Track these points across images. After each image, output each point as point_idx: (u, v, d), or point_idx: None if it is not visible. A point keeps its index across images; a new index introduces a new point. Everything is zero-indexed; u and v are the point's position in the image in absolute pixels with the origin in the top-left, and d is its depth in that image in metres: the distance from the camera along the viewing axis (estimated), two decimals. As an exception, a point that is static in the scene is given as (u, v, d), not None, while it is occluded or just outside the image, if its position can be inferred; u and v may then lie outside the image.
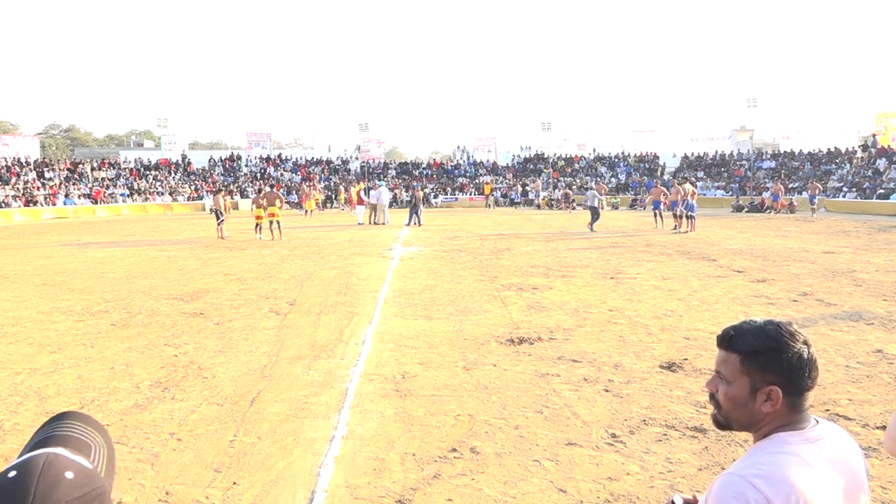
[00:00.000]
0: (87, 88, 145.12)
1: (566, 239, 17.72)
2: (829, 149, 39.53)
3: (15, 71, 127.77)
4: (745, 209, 30.27)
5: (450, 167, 47.11)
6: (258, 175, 43.50)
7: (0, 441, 4.21)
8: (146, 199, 37.69)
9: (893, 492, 3.36)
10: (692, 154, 44.00)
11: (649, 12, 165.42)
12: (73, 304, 8.78)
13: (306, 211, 29.35)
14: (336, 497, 3.42)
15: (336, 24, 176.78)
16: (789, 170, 38.73)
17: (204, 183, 41.22)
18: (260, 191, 20.41)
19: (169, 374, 5.57)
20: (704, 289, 9.31)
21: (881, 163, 33.27)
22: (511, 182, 42.55)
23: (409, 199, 25.95)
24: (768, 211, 29.33)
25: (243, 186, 40.86)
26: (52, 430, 0.91)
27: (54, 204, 33.47)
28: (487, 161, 46.69)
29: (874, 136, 37.26)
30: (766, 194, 31.85)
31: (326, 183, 41.31)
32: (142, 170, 41.52)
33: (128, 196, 37.44)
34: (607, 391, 4.97)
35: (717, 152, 43.22)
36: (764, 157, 41.90)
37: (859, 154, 37.11)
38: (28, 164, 37.39)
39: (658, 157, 44.14)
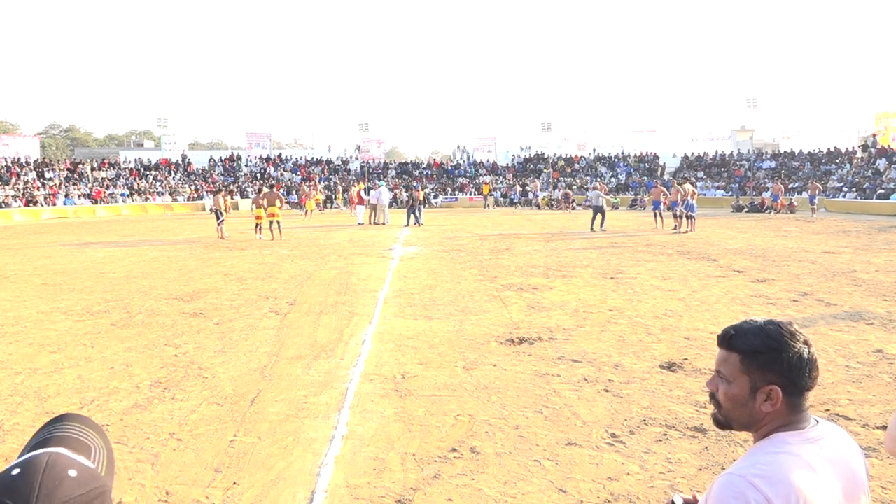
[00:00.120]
0: (87, 88, 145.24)
1: (566, 239, 17.72)
2: (829, 149, 39.53)
3: (15, 71, 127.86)
4: (745, 209, 30.27)
5: (450, 167, 47.12)
6: (258, 175, 43.51)
7: (0, 441, 4.21)
8: (146, 199, 37.70)
9: (893, 492, 3.36)
10: (692, 154, 44.01)
11: (649, 12, 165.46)
12: (73, 304, 8.78)
13: (306, 211, 29.36)
14: (336, 497, 3.42)
15: (336, 24, 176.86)
16: (789, 170, 38.74)
17: (204, 183, 41.22)
18: (260, 191, 20.41)
19: (169, 374, 5.57)
20: (704, 289, 9.31)
21: (881, 163, 33.27)
22: (511, 182, 42.55)
23: (406, 199, 25.93)
24: (768, 211, 29.33)
25: (243, 186, 40.86)
26: (51, 432, 0.91)
27: (54, 204, 33.47)
28: (487, 161, 46.70)
29: (874, 136, 37.26)
30: (766, 194, 31.86)
31: (326, 183, 41.30)
32: (142, 170, 41.53)
33: (128, 196, 37.44)
34: (607, 391, 4.97)
35: (717, 152, 43.23)
36: (764, 157, 41.91)
37: (859, 154, 37.12)
38: (28, 164, 37.39)
39: (658, 157, 44.14)
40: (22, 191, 33.58)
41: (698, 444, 3.99)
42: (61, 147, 72.44)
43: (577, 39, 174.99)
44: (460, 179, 44.12)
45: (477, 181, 42.92)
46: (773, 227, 20.52)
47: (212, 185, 39.50)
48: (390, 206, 27.57)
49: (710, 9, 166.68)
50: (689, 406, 4.63)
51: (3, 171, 35.31)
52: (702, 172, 40.64)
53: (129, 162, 42.55)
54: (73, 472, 0.82)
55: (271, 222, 18.45)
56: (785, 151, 41.83)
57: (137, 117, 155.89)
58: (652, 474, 3.61)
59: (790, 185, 34.85)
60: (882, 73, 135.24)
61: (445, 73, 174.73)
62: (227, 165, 45.17)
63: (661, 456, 3.83)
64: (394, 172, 45.36)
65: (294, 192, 38.80)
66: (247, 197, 36.37)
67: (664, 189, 22.69)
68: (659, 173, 41.57)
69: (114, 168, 40.65)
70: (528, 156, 47.15)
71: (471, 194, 40.85)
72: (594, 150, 46.65)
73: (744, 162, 41.32)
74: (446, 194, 41.33)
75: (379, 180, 36.44)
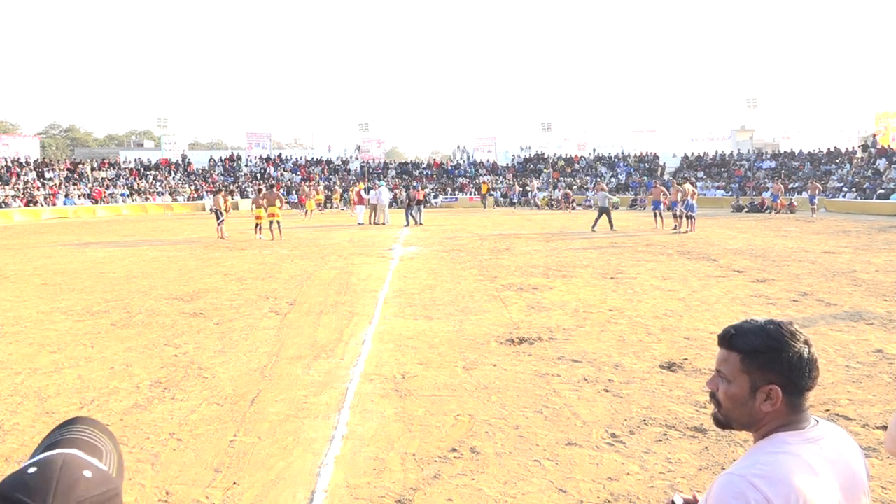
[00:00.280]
0: (87, 88, 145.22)
1: (566, 239, 17.72)
2: (829, 149, 39.53)
3: (15, 71, 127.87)
4: (745, 209, 30.27)
5: (450, 167, 47.12)
6: (258, 175, 43.51)
7: (0, 441, 4.20)
8: (146, 199, 37.70)
9: (893, 492, 3.36)
10: (692, 154, 44.01)
11: (649, 12, 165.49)
12: (73, 304, 8.78)
13: (306, 211, 29.38)
14: (336, 497, 3.42)
15: (336, 25, 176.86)
16: (789, 170, 38.74)
17: (204, 183, 41.23)
18: (260, 191, 20.41)
19: (169, 374, 5.57)
20: (704, 289, 9.31)
21: (881, 163, 33.28)
22: (510, 182, 42.55)
23: (404, 198, 25.94)
24: (768, 211, 29.33)
25: (243, 186, 40.86)
26: (63, 434, 0.91)
27: (54, 204, 33.47)
28: (487, 161, 46.71)
29: (874, 136, 37.26)
30: (766, 194, 31.87)
31: (326, 183, 41.30)
32: (142, 170, 41.53)
33: (128, 196, 37.44)
34: (607, 391, 4.97)
35: (717, 152, 43.22)
36: (764, 157, 41.92)
37: (859, 154, 37.12)
38: (28, 164, 37.39)
39: (658, 157, 44.14)
40: (22, 191, 33.59)
41: (698, 444, 3.99)
42: (61, 147, 72.45)
43: (577, 40, 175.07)
44: (460, 179, 44.12)
45: (477, 181, 42.93)
46: (773, 227, 20.52)
47: (212, 185, 39.51)
48: (390, 206, 27.58)
49: (710, 9, 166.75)
50: (689, 406, 4.63)
51: (3, 171, 35.31)
52: (702, 172, 40.64)
53: (129, 162, 42.55)
54: (87, 473, 0.82)
55: (271, 222, 18.45)
56: (785, 151, 41.83)
57: (137, 117, 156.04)
58: (652, 474, 3.61)
59: (790, 185, 34.86)
60: (882, 73, 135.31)
61: (445, 73, 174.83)
62: (227, 165, 45.18)
63: (661, 456, 3.83)
64: (394, 172, 45.36)
65: (294, 192, 38.80)
66: (247, 197, 36.37)
67: (664, 189, 22.69)
68: (659, 173, 41.57)
69: (114, 168, 40.66)
70: (528, 156, 47.15)
71: (471, 194, 40.84)
72: (594, 150, 46.65)
73: (744, 162, 41.32)
74: (446, 194, 41.33)
75: (379, 180, 36.44)
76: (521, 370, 5.54)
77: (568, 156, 46.08)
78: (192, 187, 40.35)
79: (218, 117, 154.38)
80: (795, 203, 29.77)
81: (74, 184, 36.70)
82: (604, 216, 20.52)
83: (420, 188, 28.27)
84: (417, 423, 4.39)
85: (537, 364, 5.69)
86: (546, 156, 46.51)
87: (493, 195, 39.75)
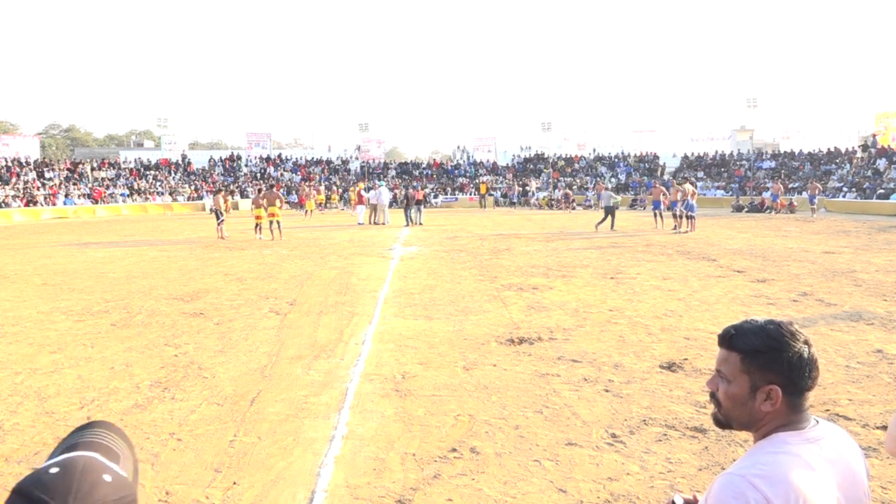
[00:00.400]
0: (87, 88, 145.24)
1: (566, 239, 17.72)
2: (829, 149, 39.54)
3: (15, 71, 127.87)
4: (745, 209, 30.27)
5: (450, 167, 47.13)
6: (258, 175, 43.51)
7: (0, 441, 4.20)
8: (146, 199, 37.70)
9: (893, 492, 3.36)
10: (692, 154, 44.01)
11: (649, 12, 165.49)
12: (73, 304, 8.78)
13: (306, 211, 29.38)
14: (336, 497, 3.42)
15: (336, 25, 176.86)
16: (789, 170, 38.74)
17: (204, 183, 41.23)
18: (260, 191, 20.40)
19: (169, 374, 5.57)
20: (704, 289, 9.31)
21: (881, 163, 33.27)
22: (510, 182, 42.54)
23: (402, 198, 25.96)
24: (768, 211, 29.33)
25: (243, 186, 40.85)
26: (82, 436, 0.92)
27: (54, 204, 33.47)
28: (487, 161, 46.71)
29: (874, 136, 37.26)
30: (766, 194, 31.87)
31: (326, 183, 41.31)
32: (142, 170, 41.53)
33: (128, 196, 37.44)
34: (607, 391, 4.97)
35: (717, 152, 43.23)
36: (764, 157, 41.91)
37: (859, 154, 37.12)
38: (28, 164, 37.40)
39: (658, 157, 44.15)
40: (22, 191, 33.59)
41: (698, 444, 3.99)
42: (61, 147, 72.45)
43: (577, 40, 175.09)
44: (460, 179, 44.12)
45: (477, 181, 42.93)
46: (773, 227, 20.52)
47: (212, 185, 39.51)
48: (390, 205, 27.58)
49: (710, 9, 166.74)
50: (689, 406, 4.63)
51: (3, 171, 35.31)
52: (702, 172, 40.64)
53: (129, 162, 42.55)
54: (107, 477, 0.83)
55: (271, 222, 18.45)
56: (785, 151, 41.83)
57: (137, 117, 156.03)
58: (652, 474, 3.61)
59: (790, 185, 34.86)
60: (882, 73, 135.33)
61: (445, 73, 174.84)
62: (227, 165, 45.18)
63: (661, 456, 3.83)
64: (394, 172, 45.36)
65: (294, 192, 38.79)
66: (247, 197, 36.36)
67: (664, 189, 22.69)
68: (659, 173, 41.57)
69: (114, 168, 40.66)
70: (528, 156, 47.15)
71: (471, 194, 40.84)
72: (594, 150, 46.65)
73: (744, 162, 41.32)
74: (446, 194, 41.33)
75: (379, 180, 36.43)
76: (521, 370, 5.54)
77: (568, 156, 46.08)
78: (192, 187, 40.35)
79: (218, 117, 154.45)
80: (795, 203, 29.77)
81: (74, 184, 36.70)
82: (608, 216, 20.53)
83: (420, 188, 28.26)
84: (417, 423, 4.39)
85: (537, 364, 5.69)
86: (546, 156, 46.51)
87: (493, 195, 39.72)
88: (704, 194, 35.19)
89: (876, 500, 3.25)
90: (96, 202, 35.34)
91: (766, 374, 1.28)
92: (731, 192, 36.68)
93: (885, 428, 4.09)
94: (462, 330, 7.00)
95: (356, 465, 3.79)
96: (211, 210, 23.38)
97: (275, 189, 21.48)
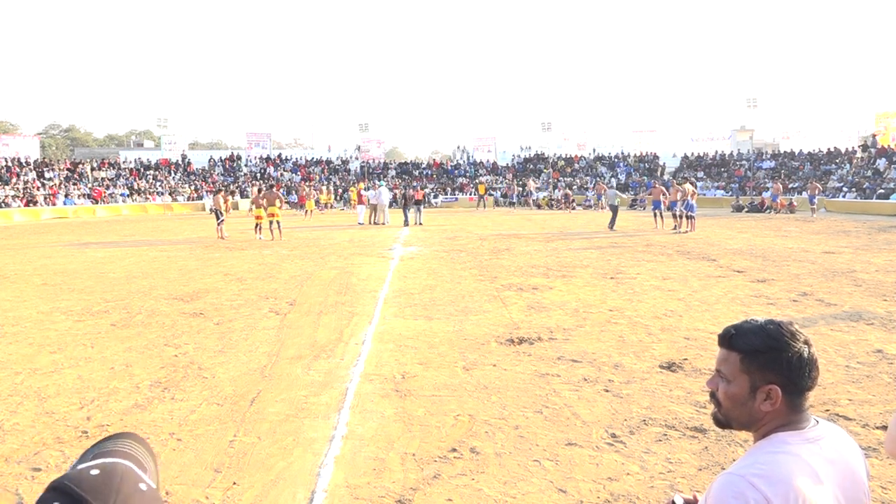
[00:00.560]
0: (87, 88, 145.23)
1: (566, 239, 17.72)
2: (829, 149, 39.52)
3: (15, 71, 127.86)
4: (745, 209, 30.27)
5: (450, 167, 47.12)
6: (258, 175, 43.50)
7: (0, 441, 4.20)
8: (146, 199, 37.68)
9: (893, 492, 3.36)
10: (692, 154, 44.00)
11: (649, 12, 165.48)
12: (73, 304, 8.77)
13: (306, 211, 29.39)
14: (336, 497, 3.42)
15: (336, 25, 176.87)
16: (789, 170, 38.73)
17: (204, 183, 41.22)
18: (260, 191, 20.39)
19: (169, 374, 5.57)
20: (704, 289, 9.31)
21: (881, 163, 33.27)
22: (510, 182, 42.53)
23: (401, 197, 25.97)
24: (768, 211, 29.33)
25: (243, 186, 40.84)
26: (115, 445, 0.92)
27: (54, 204, 33.46)
28: (487, 161, 46.70)
29: (874, 136, 37.25)
30: (765, 194, 31.86)
31: (326, 183, 41.29)
32: (142, 170, 41.52)
33: (128, 196, 37.43)
34: (607, 391, 4.97)
35: (717, 152, 43.22)
36: (764, 157, 41.91)
37: (859, 154, 37.11)
38: (28, 164, 37.38)
39: (658, 157, 44.14)
40: (22, 191, 33.58)
41: (698, 444, 3.99)
42: (61, 147, 72.45)
43: (577, 40, 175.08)
44: (460, 179, 44.11)
45: (477, 181, 42.91)
46: (773, 227, 20.52)
47: (212, 185, 39.51)
48: (390, 205, 27.59)
49: (710, 9, 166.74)
50: (689, 406, 4.63)
51: (3, 171, 35.30)
52: (702, 172, 40.63)
53: (129, 162, 42.53)
54: (143, 487, 0.84)
55: (271, 222, 18.45)
56: (785, 151, 41.82)
57: (137, 117, 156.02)
58: (652, 474, 3.61)
59: (790, 185, 34.86)
60: (882, 73, 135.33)
61: (445, 73, 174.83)
62: (227, 165, 45.17)
63: (661, 456, 3.83)
64: (394, 172, 45.35)
65: (294, 192, 38.78)
66: (247, 197, 36.34)
67: (663, 189, 22.70)
68: (659, 173, 41.56)
69: (114, 168, 40.64)
70: (528, 156, 47.14)
71: (471, 194, 40.81)
72: (594, 150, 46.64)
73: (744, 162, 41.31)
74: (446, 194, 41.32)
75: (379, 180, 36.41)
76: (521, 370, 5.54)
77: (568, 156, 46.07)
78: (192, 187, 40.34)
79: (218, 117, 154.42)
80: (795, 203, 29.76)
81: (74, 184, 36.69)
82: (615, 214, 20.67)
83: (420, 188, 28.25)
84: (417, 423, 4.39)
85: (537, 364, 5.69)
86: (546, 156, 46.50)
87: (492, 195, 39.69)
88: (704, 194, 35.18)
89: (876, 500, 3.25)
90: (96, 202, 35.34)
91: (765, 373, 1.29)
92: (730, 192, 36.67)
93: (885, 428, 4.09)
94: (462, 330, 7.00)
95: (356, 465, 3.79)
96: (211, 210, 23.38)
97: (275, 189, 21.48)
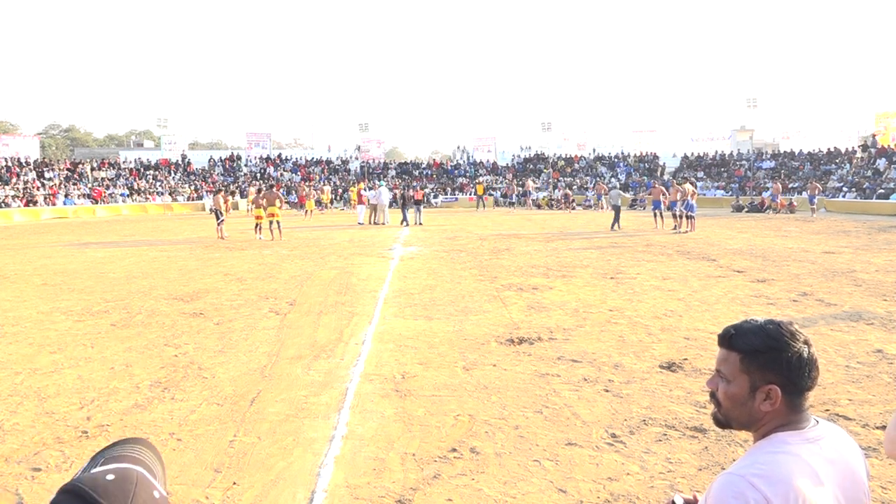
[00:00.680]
0: (87, 88, 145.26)
1: (566, 239, 17.72)
2: (829, 149, 39.52)
3: (15, 71, 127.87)
4: (745, 209, 30.27)
5: (450, 167, 47.12)
6: (258, 175, 43.50)
7: (0, 441, 4.20)
8: (146, 199, 37.67)
9: (893, 492, 3.36)
10: (692, 154, 44.00)
11: (649, 12, 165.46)
12: (73, 304, 8.77)
13: (306, 211, 29.39)
14: (336, 497, 3.42)
15: (336, 25, 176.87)
16: (789, 170, 38.73)
17: (204, 183, 41.22)
18: (259, 191, 20.39)
19: (169, 374, 5.57)
20: (704, 289, 9.31)
21: (881, 163, 33.27)
22: (510, 182, 42.51)
23: (400, 197, 25.96)
24: (768, 211, 29.33)
25: (243, 186, 40.82)
26: (125, 450, 0.92)
27: (54, 204, 33.45)
28: (487, 161, 46.69)
29: (874, 136, 37.25)
30: (765, 194, 31.86)
31: (326, 184, 41.28)
32: (142, 170, 41.52)
33: (128, 196, 37.42)
34: (607, 391, 4.97)
35: (717, 152, 43.22)
36: (764, 157, 41.91)
37: (859, 154, 37.11)
38: (28, 164, 37.37)
39: (658, 157, 44.13)
40: (22, 191, 33.57)
41: (698, 444, 3.99)
42: (61, 147, 72.44)
43: (577, 40, 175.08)
44: (460, 179, 44.11)
45: (476, 181, 42.89)
46: (773, 227, 20.52)
47: (212, 185, 39.50)
48: (390, 205, 27.58)
49: (710, 9, 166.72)
50: (689, 406, 4.63)
51: (3, 171, 35.29)
52: (702, 172, 40.62)
53: (129, 162, 42.53)
54: (157, 494, 0.84)
55: (271, 222, 18.45)
56: (785, 151, 41.82)
57: (137, 117, 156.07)
58: (652, 474, 3.61)
59: (790, 185, 34.85)
60: (882, 73, 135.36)
61: (445, 73, 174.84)
62: (227, 165, 45.17)
63: (661, 456, 3.83)
64: (394, 172, 45.34)
65: (294, 192, 38.77)
66: (246, 197, 36.32)
67: (663, 189, 22.70)
68: (659, 173, 41.55)
69: (114, 168, 40.63)
70: (528, 156, 47.14)
71: (471, 194, 40.79)
72: (594, 150, 46.64)
73: (744, 162, 41.31)
74: (446, 194, 41.31)
75: (379, 180, 36.40)
76: (521, 370, 5.54)
77: (568, 156, 46.06)
78: (192, 187, 40.34)
79: (218, 117, 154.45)
80: (795, 203, 29.76)
81: (74, 184, 36.68)
82: (618, 214, 20.70)
83: (420, 188, 28.24)
84: (417, 423, 4.39)
85: (537, 364, 5.69)
86: (546, 156, 46.49)
87: (492, 195, 39.67)
88: (704, 194, 35.18)
89: (876, 500, 3.25)
90: (96, 202, 35.33)
91: (765, 373, 1.29)
92: (730, 192, 36.67)
93: (885, 428, 4.08)
94: (462, 330, 7.00)
95: (356, 465, 3.79)
96: (211, 210, 23.37)
97: (275, 189, 21.47)
